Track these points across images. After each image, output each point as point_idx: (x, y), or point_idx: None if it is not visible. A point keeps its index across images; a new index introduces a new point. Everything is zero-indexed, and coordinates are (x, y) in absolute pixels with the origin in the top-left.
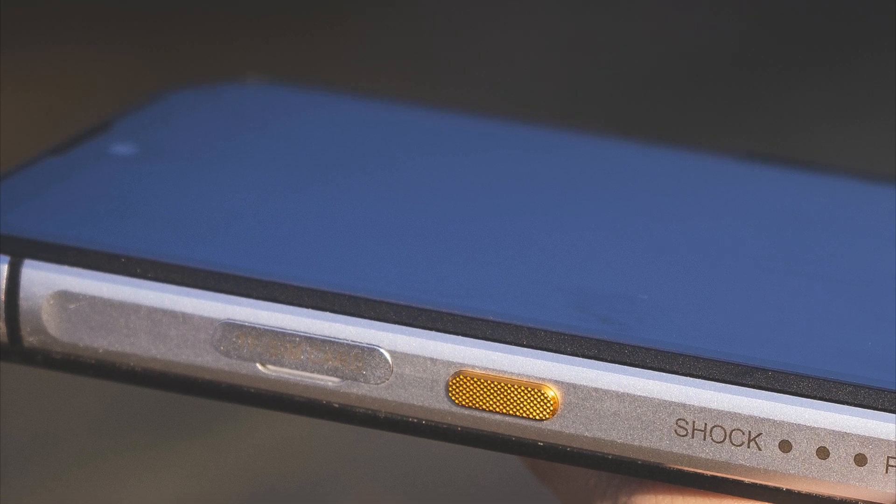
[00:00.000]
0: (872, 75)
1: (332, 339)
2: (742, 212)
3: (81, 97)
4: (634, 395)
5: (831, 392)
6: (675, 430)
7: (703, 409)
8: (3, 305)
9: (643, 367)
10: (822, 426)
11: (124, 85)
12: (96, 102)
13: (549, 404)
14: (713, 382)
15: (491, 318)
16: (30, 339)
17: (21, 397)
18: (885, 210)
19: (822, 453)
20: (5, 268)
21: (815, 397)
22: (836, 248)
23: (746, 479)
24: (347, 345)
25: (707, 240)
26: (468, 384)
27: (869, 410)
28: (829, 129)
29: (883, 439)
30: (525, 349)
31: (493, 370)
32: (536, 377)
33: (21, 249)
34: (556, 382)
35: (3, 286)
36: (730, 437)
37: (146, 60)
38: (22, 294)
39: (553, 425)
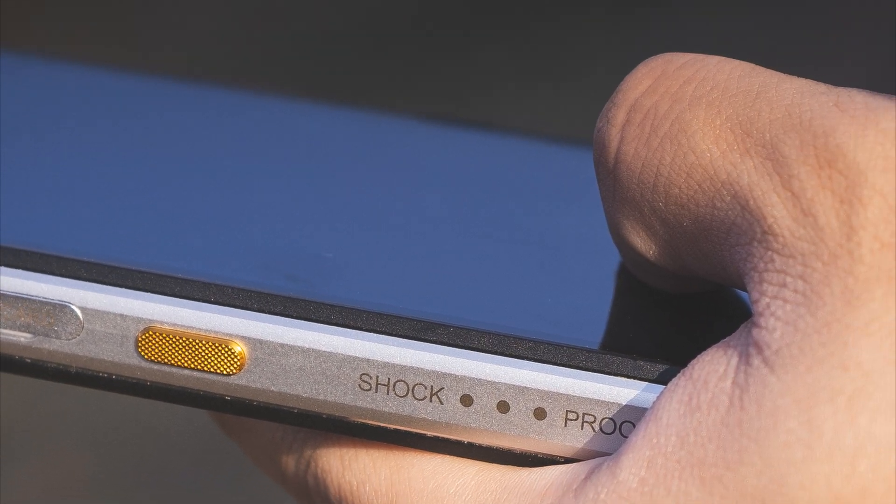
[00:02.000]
0: (552, 38)
1: (24, 296)
2: (425, 173)
3: None
4: (319, 351)
5: (511, 348)
6: (360, 385)
7: (386, 365)
8: None
9: (328, 323)
10: (503, 381)
11: None
12: None
13: (235, 359)
14: (396, 338)
15: (179, 275)
16: None
17: None
18: (565, 170)
19: (503, 407)
20: None
21: (495, 353)
22: (518, 209)
23: (429, 433)
24: (39, 301)
25: (391, 201)
26: (157, 340)
27: (548, 365)
28: (510, 91)
29: (561, 393)
30: (213, 306)
31: (182, 326)
32: (224, 333)
33: None
34: (243, 338)
35: None
36: (412, 391)
37: None
38: None
39: (240, 380)
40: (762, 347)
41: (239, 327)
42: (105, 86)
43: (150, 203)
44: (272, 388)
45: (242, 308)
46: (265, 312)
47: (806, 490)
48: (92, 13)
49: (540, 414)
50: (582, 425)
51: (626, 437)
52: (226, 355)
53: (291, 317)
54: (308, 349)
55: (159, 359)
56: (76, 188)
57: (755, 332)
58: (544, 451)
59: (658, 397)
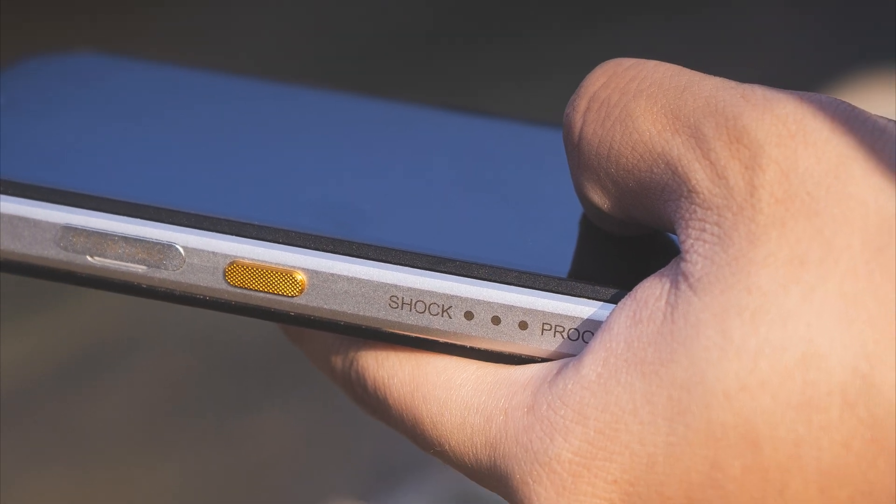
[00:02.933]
0: (536, 46)
1: (141, 238)
2: (438, 148)
3: None
4: (360, 279)
5: (502, 276)
6: (389, 304)
7: (409, 289)
8: None
9: (366, 258)
10: (496, 301)
11: None
12: None
13: (297, 285)
14: (416, 269)
15: (256, 222)
16: None
17: None
18: (543, 145)
19: (496, 321)
20: None
21: (490, 280)
22: (507, 173)
23: (441, 340)
24: (152, 242)
25: (412, 168)
26: (240, 270)
27: (529, 290)
28: (507, 87)
29: (539, 310)
30: (281, 245)
31: (258, 260)
32: (289, 265)
33: None
34: (303, 269)
35: None
36: (429, 308)
37: None
38: None
39: (301, 300)
40: (687, 276)
41: (300, 261)
42: (190, 83)
43: (236, 170)
44: (325, 306)
45: (303, 247)
46: (320, 250)
47: (720, 381)
48: (195, 28)
49: (523, 326)
50: (554, 334)
51: (587, 343)
52: (290, 282)
53: (339, 253)
54: (351, 277)
55: (241, 284)
56: (179, 159)
57: (682, 265)
58: (526, 353)
59: (611, 313)
